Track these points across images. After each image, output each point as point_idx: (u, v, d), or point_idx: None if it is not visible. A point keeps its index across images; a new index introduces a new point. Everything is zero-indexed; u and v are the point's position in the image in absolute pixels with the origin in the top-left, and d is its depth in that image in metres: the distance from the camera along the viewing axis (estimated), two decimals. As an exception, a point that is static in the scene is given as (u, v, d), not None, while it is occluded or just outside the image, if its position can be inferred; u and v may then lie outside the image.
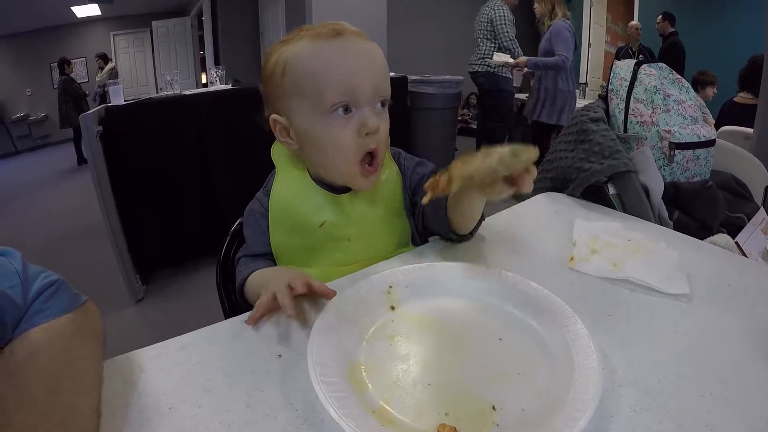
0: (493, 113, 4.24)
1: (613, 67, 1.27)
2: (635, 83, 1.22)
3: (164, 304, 2.59)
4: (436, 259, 0.77)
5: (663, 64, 1.30)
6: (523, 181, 0.59)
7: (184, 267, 2.93)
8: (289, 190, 0.82)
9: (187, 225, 2.86)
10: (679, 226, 1.12)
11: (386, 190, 0.83)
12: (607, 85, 1.28)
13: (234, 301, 0.93)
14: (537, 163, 0.60)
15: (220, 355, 0.58)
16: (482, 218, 0.79)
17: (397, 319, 0.60)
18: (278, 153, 0.85)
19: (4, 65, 8.06)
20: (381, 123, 0.74)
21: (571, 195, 1.08)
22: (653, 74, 1.23)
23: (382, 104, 0.75)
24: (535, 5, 3.78)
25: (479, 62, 4.07)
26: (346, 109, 0.71)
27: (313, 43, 0.72)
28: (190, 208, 2.85)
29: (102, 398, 0.50)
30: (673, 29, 5.14)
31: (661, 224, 1.07)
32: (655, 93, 1.20)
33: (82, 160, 6.45)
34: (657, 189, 1.08)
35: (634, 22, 5.59)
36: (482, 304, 0.63)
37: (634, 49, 5.38)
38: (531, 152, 0.56)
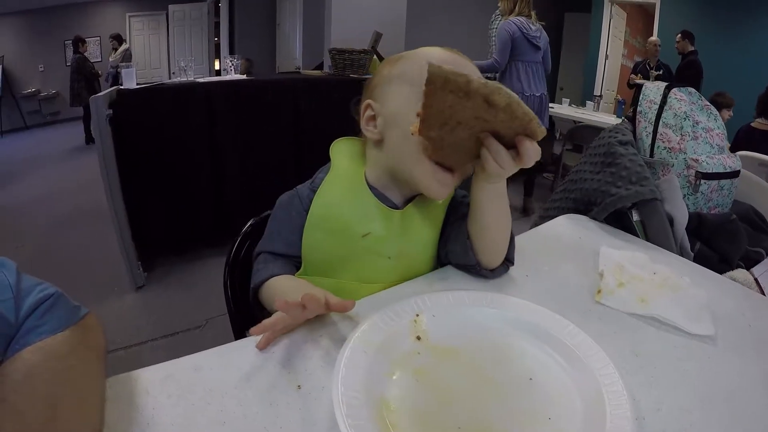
0: None
1: (643, 88, 1.24)
2: (665, 107, 1.19)
3: (165, 293, 2.56)
4: (461, 281, 0.75)
5: (693, 89, 1.27)
6: (523, 146, 0.57)
7: (187, 256, 2.92)
8: (340, 191, 0.77)
9: (192, 214, 2.83)
10: (699, 258, 1.09)
11: (439, 212, 0.80)
12: (635, 106, 1.25)
13: (241, 302, 0.90)
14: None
15: (234, 382, 0.54)
16: (511, 254, 0.76)
17: (423, 351, 0.57)
18: (339, 151, 0.81)
19: (18, 40, 8.04)
20: None
21: (594, 218, 1.06)
22: (683, 99, 1.20)
23: None
24: (499, 2, 3.54)
25: None
26: None
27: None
28: (196, 198, 2.82)
29: (105, 420, 0.47)
30: (693, 48, 5.11)
31: (682, 255, 1.05)
32: (685, 119, 1.17)
33: (90, 139, 6.44)
34: (681, 219, 1.06)
35: (654, 38, 5.55)
36: (511, 338, 0.61)
37: (651, 65, 5.36)
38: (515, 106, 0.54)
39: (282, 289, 0.72)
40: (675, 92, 1.22)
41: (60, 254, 3.10)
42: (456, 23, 6.54)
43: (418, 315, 0.61)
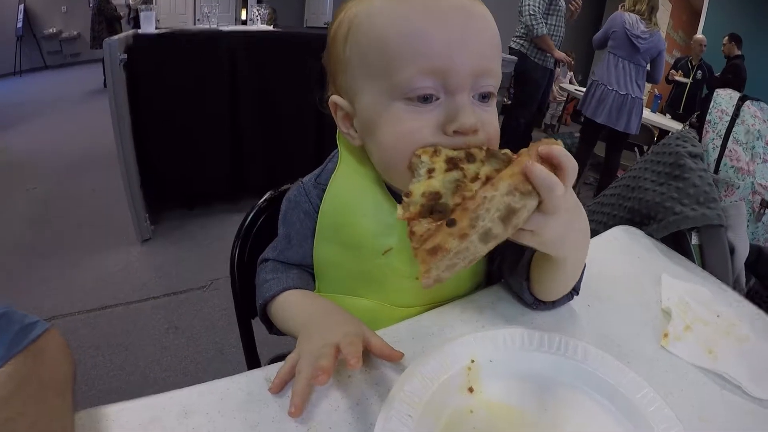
0: (516, 105, 3.93)
1: (714, 95, 1.12)
2: (736, 121, 1.07)
3: (171, 248, 2.52)
4: (512, 308, 0.65)
5: (765, 105, 1.15)
6: (532, 174, 0.40)
7: (197, 211, 2.87)
8: (352, 194, 0.61)
9: (205, 168, 2.75)
10: (752, 295, 1.00)
11: None
12: (702, 114, 1.13)
13: (248, 284, 0.78)
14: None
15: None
16: (579, 284, 0.62)
17: (476, 407, 0.48)
18: (346, 139, 0.63)
19: (40, -20, 7.89)
20: (484, 121, 0.51)
21: (651, 235, 0.96)
22: (757, 116, 1.08)
23: (484, 96, 0.52)
24: None
25: (515, 38, 3.70)
26: (426, 99, 0.50)
27: None
28: (211, 151, 2.73)
29: None
30: (739, 52, 4.89)
31: (735, 289, 0.95)
32: (757, 139, 1.05)
33: (108, 83, 6.33)
34: (743, 251, 0.95)
35: (700, 36, 5.31)
36: (577, 395, 0.52)
37: (693, 63, 5.15)
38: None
39: (303, 311, 0.59)
40: (749, 105, 1.10)
41: (69, 200, 3.06)
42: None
43: (473, 361, 0.51)
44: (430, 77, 0.49)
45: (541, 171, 0.40)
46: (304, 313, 0.59)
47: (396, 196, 0.60)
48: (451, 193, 0.45)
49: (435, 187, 0.45)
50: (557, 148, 0.42)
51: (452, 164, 0.46)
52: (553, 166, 0.42)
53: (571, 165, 0.42)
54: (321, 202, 0.63)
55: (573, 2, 3.57)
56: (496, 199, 0.40)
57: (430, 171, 0.46)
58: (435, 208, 0.44)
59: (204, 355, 1.77)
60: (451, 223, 0.40)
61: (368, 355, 0.51)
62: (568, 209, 0.45)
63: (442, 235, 0.40)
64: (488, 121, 0.52)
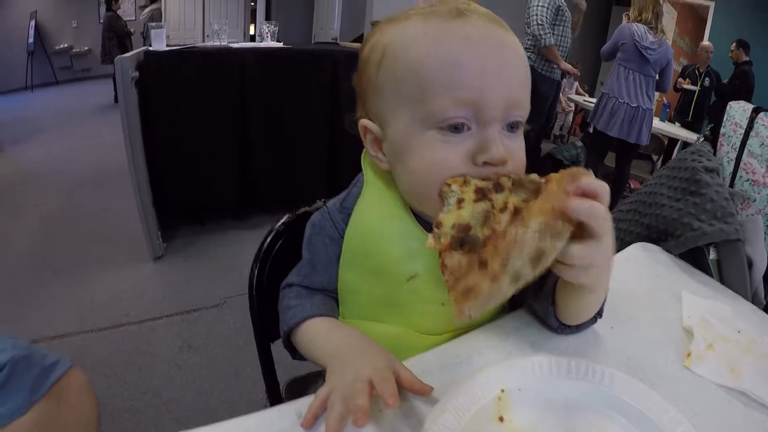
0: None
1: (728, 108, 1.12)
2: (750, 134, 1.07)
3: (183, 266, 2.52)
4: (538, 332, 0.65)
5: (779, 114, 1.14)
6: (570, 208, 0.41)
7: (209, 227, 2.88)
8: (378, 220, 0.61)
9: (217, 184, 2.76)
10: (769, 308, 0.99)
11: None
12: (716, 126, 1.13)
13: (267, 308, 0.80)
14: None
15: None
16: (602, 307, 0.62)
17: None
18: (371, 162, 0.62)
19: (52, -5, 8.03)
20: (512, 151, 0.52)
21: (669, 251, 0.95)
22: (772, 127, 1.08)
23: (512, 126, 0.53)
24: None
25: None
26: (457, 128, 0.50)
27: (423, 23, 0.52)
28: (222, 168, 2.74)
29: None
30: (747, 58, 4.89)
31: (754, 302, 0.95)
32: (773, 150, 1.05)
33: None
34: (761, 264, 0.95)
35: (706, 43, 5.30)
36: (599, 418, 0.52)
37: (701, 71, 5.14)
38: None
39: (332, 343, 0.59)
40: (762, 117, 1.09)
41: (79, 216, 3.08)
42: (504, 3, 6.22)
43: (503, 390, 0.51)
44: (463, 108, 0.49)
45: (579, 206, 0.41)
46: (330, 344, 0.58)
47: (421, 220, 0.60)
48: (480, 225, 0.46)
49: (465, 219, 0.46)
50: (585, 182, 0.43)
51: (481, 194, 0.47)
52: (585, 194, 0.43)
53: (605, 190, 0.43)
54: (346, 227, 0.63)
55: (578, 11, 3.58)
56: (528, 240, 0.41)
57: (460, 201, 0.47)
58: (465, 240, 0.44)
59: (219, 374, 1.76)
60: (484, 265, 0.41)
61: (402, 392, 0.51)
62: (611, 230, 0.46)
63: (475, 276, 0.41)
64: (516, 150, 0.53)
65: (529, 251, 0.40)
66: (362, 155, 0.64)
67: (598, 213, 0.42)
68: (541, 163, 4.60)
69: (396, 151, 0.55)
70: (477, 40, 0.50)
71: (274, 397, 0.88)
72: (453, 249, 0.45)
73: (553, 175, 0.45)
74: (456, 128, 0.50)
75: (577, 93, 6.09)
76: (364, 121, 0.58)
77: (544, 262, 0.41)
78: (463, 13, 0.51)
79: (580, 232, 0.43)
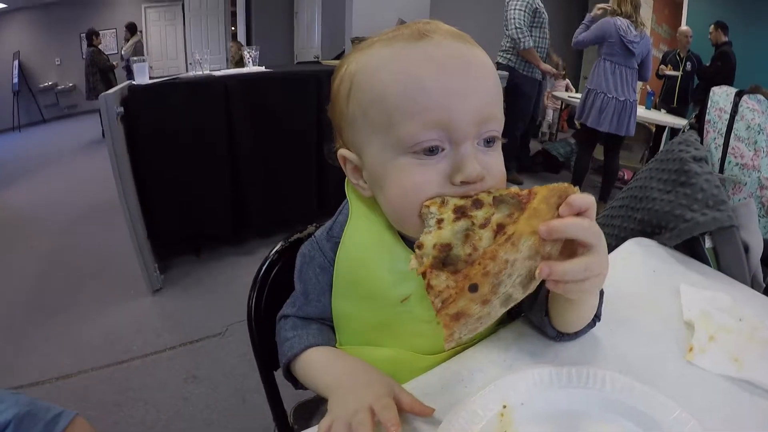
0: (510, 119, 3.96)
1: (711, 94, 1.12)
2: (735, 117, 1.07)
3: (182, 296, 2.50)
4: (536, 341, 0.64)
5: (761, 97, 1.14)
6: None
7: (204, 255, 2.87)
8: (366, 247, 0.60)
9: (209, 212, 2.76)
10: (768, 289, 0.99)
11: None
12: (701, 114, 1.12)
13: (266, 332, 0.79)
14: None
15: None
16: (600, 310, 0.62)
17: None
18: (355, 189, 0.62)
19: (34, 34, 8.09)
20: (489, 166, 0.51)
21: (664, 244, 0.95)
22: (756, 109, 1.08)
23: (488, 141, 0.52)
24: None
25: (502, 52, 3.75)
26: (432, 150, 0.50)
27: (386, 48, 0.51)
28: (213, 195, 2.74)
29: None
30: (726, 39, 4.91)
31: (753, 286, 0.94)
32: (759, 133, 1.05)
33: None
34: (757, 248, 0.94)
35: (685, 27, 5.34)
36: (603, 424, 0.51)
37: (682, 56, 5.18)
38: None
39: (331, 372, 0.59)
40: (746, 100, 1.09)
41: (74, 255, 3.06)
42: (483, 8, 6.24)
43: (505, 406, 0.50)
44: (433, 129, 0.49)
45: (570, 225, 0.42)
46: (329, 373, 0.58)
47: (409, 242, 0.59)
48: (461, 243, 0.45)
49: (445, 238, 0.45)
50: (577, 201, 0.43)
51: (460, 213, 0.47)
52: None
53: (593, 204, 0.44)
54: (335, 255, 0.62)
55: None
56: (518, 264, 0.40)
57: (440, 221, 0.47)
58: (447, 260, 0.44)
59: (226, 403, 1.74)
60: (474, 289, 0.40)
61: (405, 414, 0.51)
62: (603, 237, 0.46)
63: (464, 300, 0.40)
64: (493, 165, 0.52)
65: (520, 275, 0.40)
66: (345, 182, 0.64)
67: (590, 228, 0.44)
68: (532, 161, 4.62)
69: (374, 178, 0.55)
70: (440, 59, 0.49)
71: (282, 423, 0.88)
72: (436, 269, 0.44)
73: (537, 189, 0.45)
74: (431, 150, 0.50)
75: (567, 90, 6.11)
76: (342, 151, 0.59)
77: (534, 284, 0.41)
78: (425, 34, 0.50)
79: (570, 245, 0.43)
